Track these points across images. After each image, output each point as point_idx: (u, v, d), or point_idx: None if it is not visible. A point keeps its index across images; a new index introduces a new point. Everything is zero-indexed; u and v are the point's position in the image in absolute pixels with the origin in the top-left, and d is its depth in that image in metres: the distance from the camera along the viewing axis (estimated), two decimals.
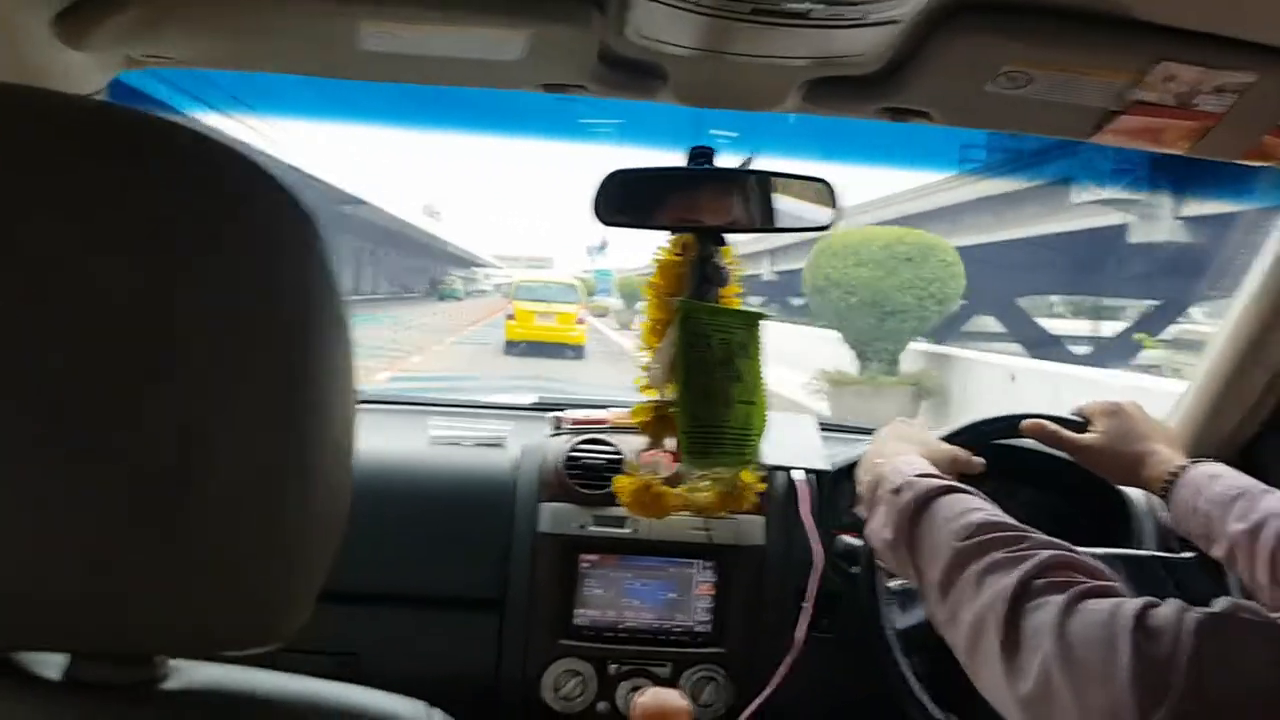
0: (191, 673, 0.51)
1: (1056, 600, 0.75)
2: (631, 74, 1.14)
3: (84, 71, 1.06)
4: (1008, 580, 0.80)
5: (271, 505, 0.45)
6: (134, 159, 0.42)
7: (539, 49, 1.05)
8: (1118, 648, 0.67)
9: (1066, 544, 0.84)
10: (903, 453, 1.14)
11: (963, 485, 1.01)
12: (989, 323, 24.59)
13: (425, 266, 66.58)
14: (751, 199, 1.32)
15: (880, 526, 1.04)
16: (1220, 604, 0.65)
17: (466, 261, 73.18)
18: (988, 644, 0.80)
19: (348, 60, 1.10)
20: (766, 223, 1.33)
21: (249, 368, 0.44)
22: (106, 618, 0.43)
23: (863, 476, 1.15)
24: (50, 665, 0.49)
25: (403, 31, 1.00)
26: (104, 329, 0.40)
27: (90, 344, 0.40)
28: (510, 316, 19.07)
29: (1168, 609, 0.67)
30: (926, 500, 0.98)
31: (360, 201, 30.15)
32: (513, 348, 18.23)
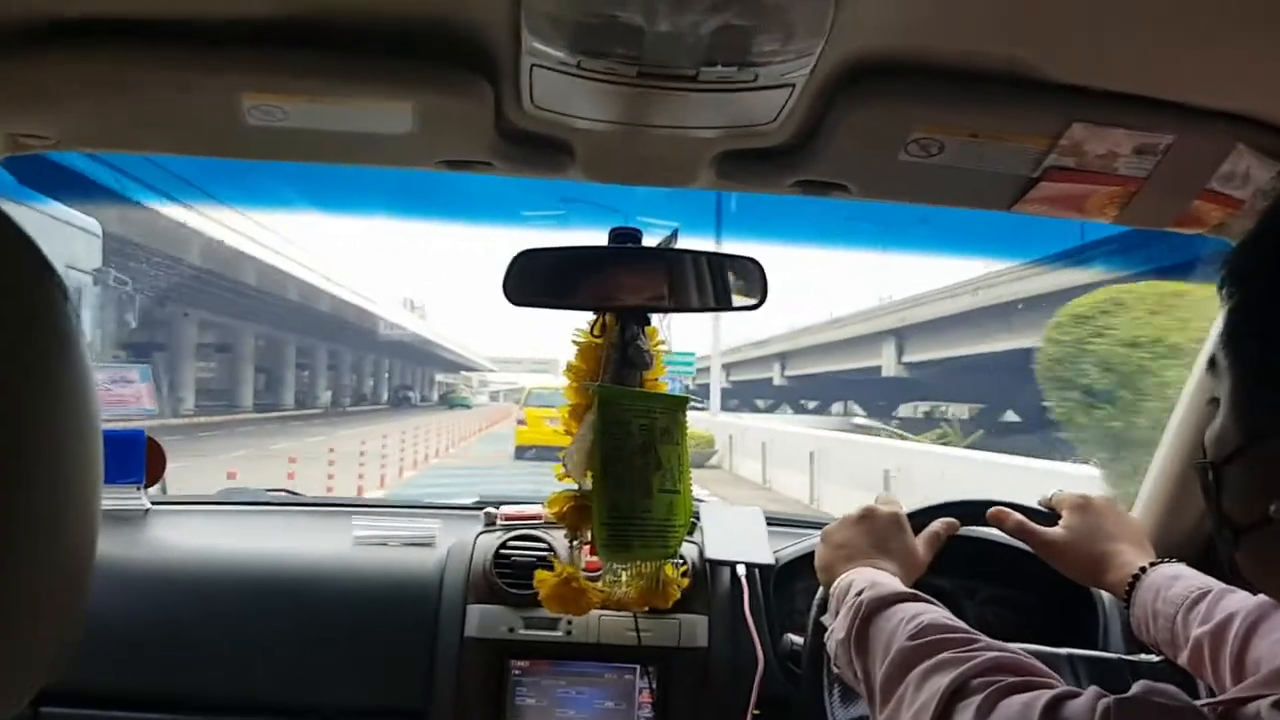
0: None
1: (978, 699, 0.71)
2: (536, 149, 1.11)
3: None
4: (947, 679, 0.76)
5: None
6: None
7: (431, 123, 1.01)
8: None
9: (1018, 649, 0.80)
10: (872, 557, 1.10)
11: (924, 595, 0.98)
12: None
13: (397, 369, 58.70)
14: (675, 278, 1.27)
15: (838, 627, 0.99)
16: (1136, 688, 0.59)
17: (457, 365, 67.59)
18: None
19: (234, 137, 1.06)
20: (692, 303, 1.28)
21: None
22: None
23: (826, 578, 1.11)
24: None
25: (286, 104, 0.97)
26: None
27: None
28: (521, 422, 18.75)
29: (1083, 698, 0.63)
30: (886, 602, 0.95)
31: (317, 290, 27.13)
32: (523, 453, 17.85)
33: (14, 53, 0.93)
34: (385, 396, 53.90)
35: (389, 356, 54.66)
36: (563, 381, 1.27)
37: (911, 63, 0.93)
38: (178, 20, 0.91)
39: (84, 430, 0.44)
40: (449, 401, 53.61)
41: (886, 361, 28.34)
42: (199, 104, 0.99)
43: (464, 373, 73.39)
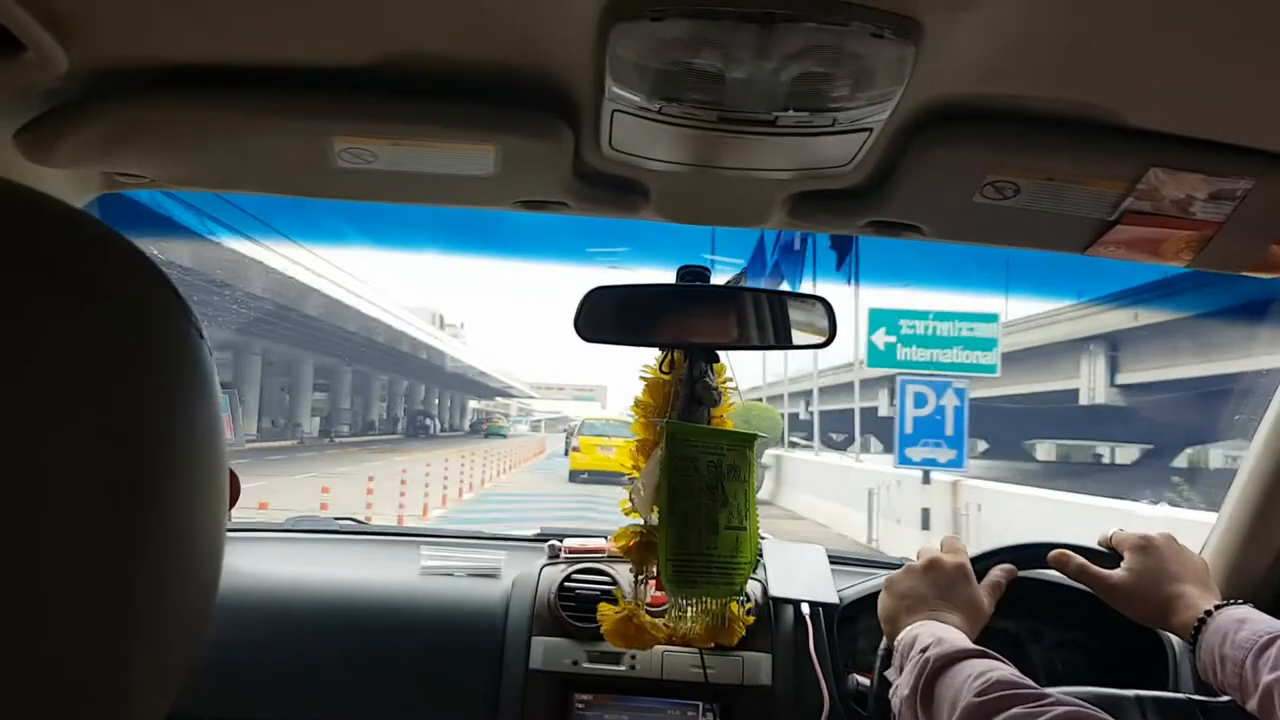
0: None
1: None
2: (612, 190, 1.13)
3: (59, 190, 1.07)
4: None
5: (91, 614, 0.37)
6: None
7: (512, 165, 1.04)
8: None
9: (1088, 704, 0.81)
10: (936, 608, 1.10)
11: (991, 651, 0.98)
12: None
13: (417, 393, 53.31)
14: (744, 316, 1.29)
15: (903, 684, 1.00)
16: None
17: (494, 391, 64.28)
18: None
19: (323, 179, 1.10)
20: (760, 340, 1.29)
21: (89, 452, 0.37)
22: None
23: (890, 629, 1.11)
24: None
25: (374, 147, 1.00)
26: None
27: None
28: (575, 449, 21.28)
29: None
30: (953, 659, 0.95)
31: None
32: (576, 476, 20.40)
33: (116, 96, 0.97)
34: (401, 424, 48.82)
35: (406, 377, 49.31)
36: (612, 412, 1.29)
37: (990, 107, 0.94)
38: (274, 66, 0.95)
39: (214, 464, 0.44)
40: (485, 431, 51.89)
41: (1088, 384, 20.36)
42: (292, 146, 1.03)
43: (499, 399, 70.65)
